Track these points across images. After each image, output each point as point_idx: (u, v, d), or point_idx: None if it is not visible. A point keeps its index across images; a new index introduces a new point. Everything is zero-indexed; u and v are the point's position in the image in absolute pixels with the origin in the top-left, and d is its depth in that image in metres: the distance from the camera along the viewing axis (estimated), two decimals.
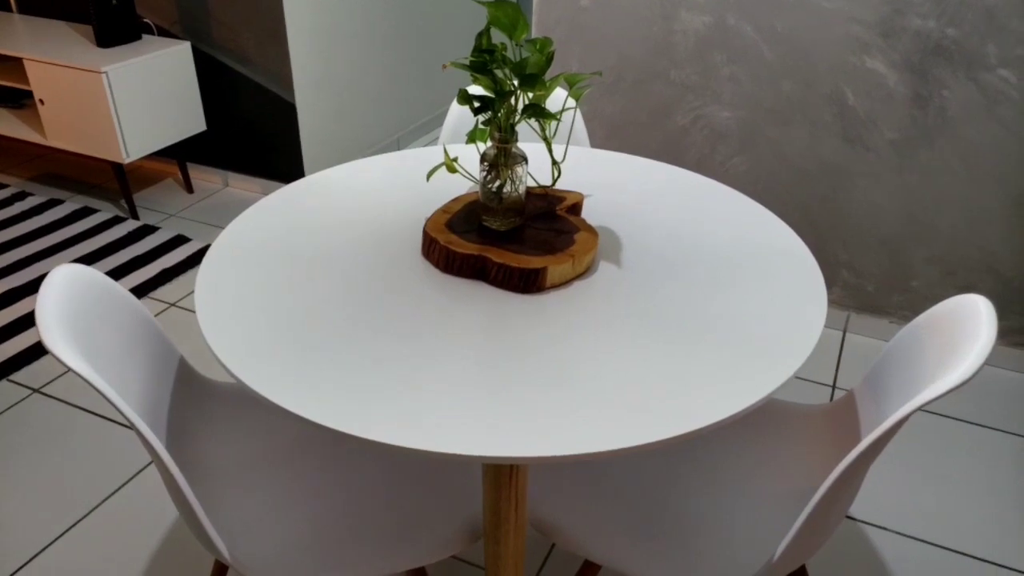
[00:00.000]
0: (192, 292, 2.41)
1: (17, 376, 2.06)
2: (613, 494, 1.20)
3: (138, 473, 1.78)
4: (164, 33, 2.84)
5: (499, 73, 1.16)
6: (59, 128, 2.70)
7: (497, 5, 1.10)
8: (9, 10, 3.17)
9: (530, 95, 1.16)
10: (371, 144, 3.22)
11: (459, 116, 1.77)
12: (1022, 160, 1.98)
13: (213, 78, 2.86)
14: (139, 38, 2.75)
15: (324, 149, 2.96)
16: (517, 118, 1.16)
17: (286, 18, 2.62)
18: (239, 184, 3.05)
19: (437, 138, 3.58)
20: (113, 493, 1.73)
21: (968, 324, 1.01)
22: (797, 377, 2.16)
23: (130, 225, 2.74)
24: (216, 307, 1.10)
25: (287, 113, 2.79)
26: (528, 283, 1.15)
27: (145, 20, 2.85)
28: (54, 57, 2.57)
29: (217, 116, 2.94)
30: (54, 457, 1.82)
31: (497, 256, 1.16)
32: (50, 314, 0.98)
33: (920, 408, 0.87)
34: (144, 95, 2.63)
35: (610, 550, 1.11)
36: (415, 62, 3.36)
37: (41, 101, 2.67)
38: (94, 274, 1.13)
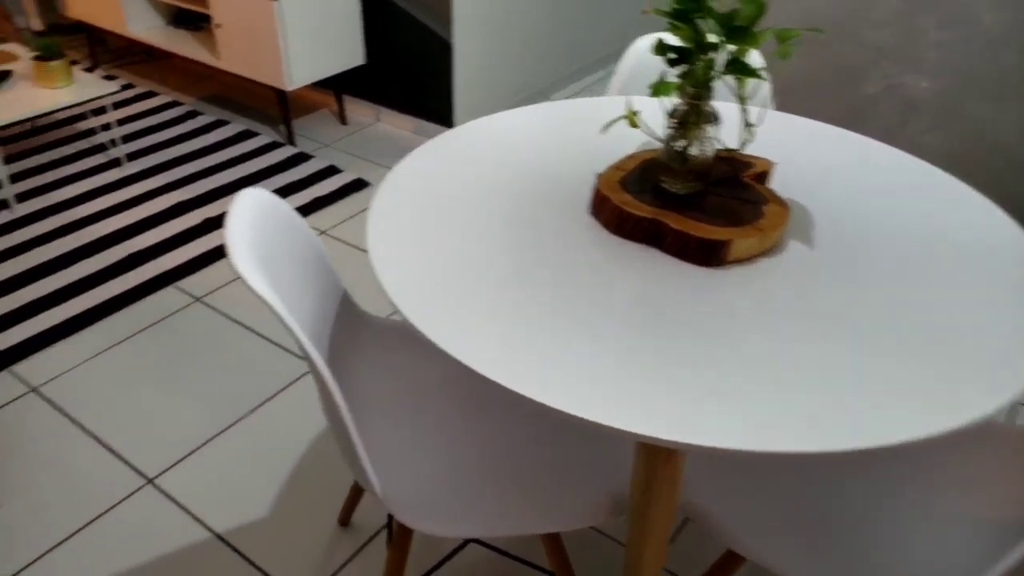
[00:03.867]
0: (342, 222, 2.47)
1: (183, 283, 2.19)
2: (778, 491, 1.12)
3: (284, 389, 1.86)
4: None
5: (701, 23, 1.06)
6: (231, 52, 2.81)
7: None
8: None
9: (733, 49, 1.05)
10: (521, 89, 3.16)
11: (633, 66, 1.67)
12: None
13: (374, 11, 2.87)
14: None
15: (476, 91, 2.92)
16: (717, 73, 1.06)
17: None
18: (390, 120, 3.07)
19: (585, 87, 3.47)
20: (260, 405, 1.82)
21: None
22: None
23: (288, 151, 2.83)
24: (385, 247, 1.09)
25: (443, 52, 2.76)
26: (708, 255, 1.06)
27: None
28: None
29: (375, 50, 2.96)
30: (207, 366, 1.93)
31: (675, 222, 1.08)
32: (239, 239, 0.99)
33: None
34: (310, 25, 2.68)
35: (766, 549, 1.03)
36: (571, 8, 3.24)
37: (218, 25, 2.77)
38: (278, 202, 1.14)
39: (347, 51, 2.85)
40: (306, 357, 0.93)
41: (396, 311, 0.97)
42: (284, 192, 2.60)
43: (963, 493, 1.11)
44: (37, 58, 2.47)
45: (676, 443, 0.80)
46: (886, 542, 1.05)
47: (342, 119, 3.07)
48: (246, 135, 2.94)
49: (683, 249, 1.08)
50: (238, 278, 2.23)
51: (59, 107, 2.42)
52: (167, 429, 1.76)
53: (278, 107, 3.05)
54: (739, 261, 1.07)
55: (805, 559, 1.02)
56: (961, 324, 0.96)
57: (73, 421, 1.77)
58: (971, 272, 1.06)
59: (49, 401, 1.82)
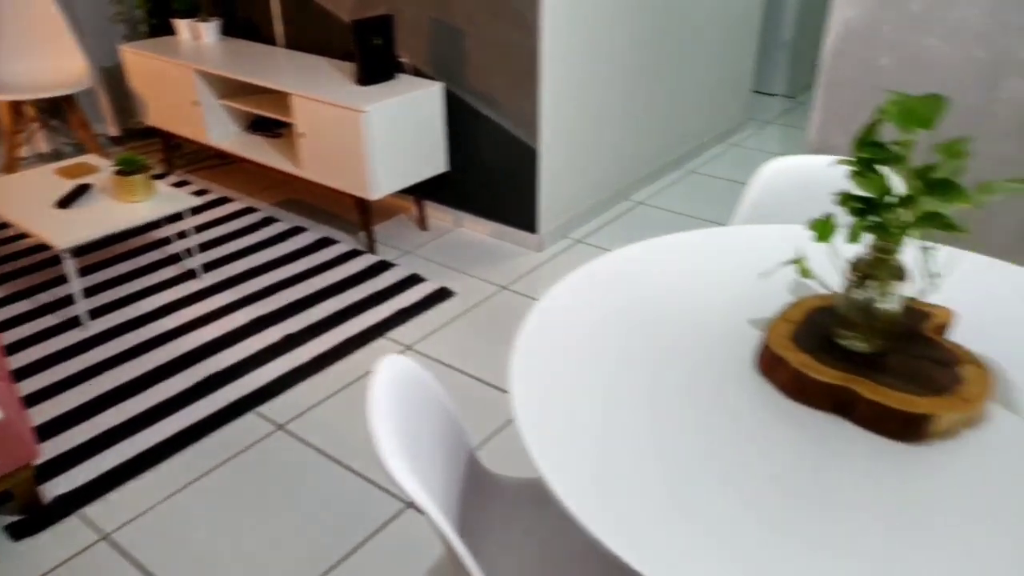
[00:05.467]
0: (429, 335, 2.39)
1: (264, 408, 2.11)
2: None
3: (382, 528, 1.73)
4: (417, 73, 2.89)
5: (885, 171, 0.97)
6: (315, 161, 2.82)
7: (920, 99, 0.91)
8: (274, 44, 3.39)
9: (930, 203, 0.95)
10: (602, 190, 3.11)
11: (761, 194, 1.59)
12: None
13: (458, 118, 2.87)
14: (394, 77, 2.81)
15: (558, 194, 2.88)
16: (911, 225, 0.96)
17: (541, 64, 2.56)
18: (471, 225, 3.04)
19: (664, 187, 3.41)
20: (361, 544, 1.69)
21: None
22: None
23: (369, 259, 2.80)
24: (530, 405, 0.99)
25: (527, 158, 2.74)
26: (909, 430, 0.94)
27: (401, 59, 2.92)
28: (319, 94, 2.67)
29: (457, 156, 2.95)
30: (294, 502, 1.82)
31: (869, 391, 0.96)
32: (383, 415, 0.90)
33: None
34: (396, 134, 2.68)
35: None
36: (651, 109, 3.22)
37: (302, 135, 2.79)
38: (414, 367, 1.05)
39: (431, 158, 2.84)
40: (443, 538, 0.82)
41: (523, 472, 0.85)
42: (366, 304, 2.54)
43: None
44: (118, 172, 2.48)
45: None
46: None
47: (422, 225, 3.05)
48: (325, 242, 2.92)
49: (878, 421, 0.95)
50: (321, 402, 2.14)
51: (139, 224, 2.41)
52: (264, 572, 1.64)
53: (358, 213, 3.04)
54: (941, 436, 0.94)
55: None
56: None
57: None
58: None
59: (122, 551, 1.72)
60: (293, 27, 3.28)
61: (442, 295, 2.58)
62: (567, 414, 0.98)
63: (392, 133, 2.66)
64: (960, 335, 1.13)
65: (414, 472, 0.91)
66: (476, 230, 3.03)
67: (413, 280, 2.65)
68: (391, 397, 0.95)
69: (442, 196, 3.08)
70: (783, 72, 4.52)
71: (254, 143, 3.16)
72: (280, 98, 3.11)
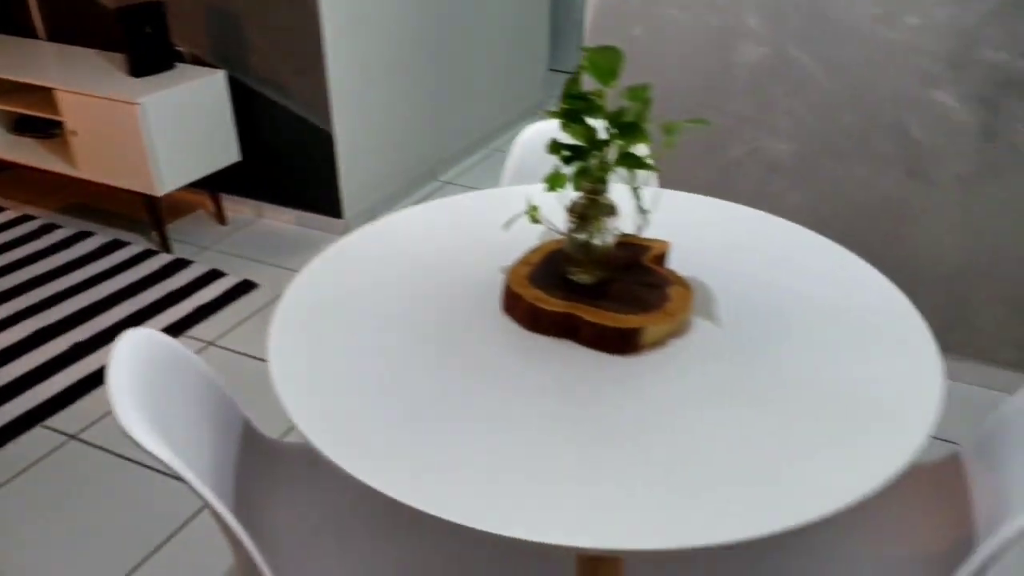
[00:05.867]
0: (231, 329, 2.34)
1: (52, 421, 1.99)
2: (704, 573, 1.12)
3: (188, 522, 1.70)
4: (197, 61, 2.79)
5: (591, 121, 1.09)
6: (91, 159, 2.65)
7: (600, 51, 1.03)
8: (36, 36, 3.13)
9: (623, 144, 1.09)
10: (407, 172, 3.16)
11: (521, 157, 1.71)
12: None
13: (247, 106, 2.81)
14: (172, 67, 2.70)
15: (360, 177, 2.90)
16: (611, 167, 1.09)
17: (325, 46, 2.56)
18: (273, 214, 2.99)
19: (470, 166, 3.52)
20: (165, 542, 1.65)
21: None
22: None
23: (163, 259, 2.68)
24: (287, 367, 1.03)
25: (324, 142, 2.73)
26: (625, 343, 1.07)
27: (178, 48, 2.80)
28: (88, 87, 2.52)
29: (251, 145, 2.89)
30: (94, 511, 1.74)
31: (589, 314, 1.09)
32: (123, 388, 0.91)
33: None
34: (178, 126, 2.58)
35: None
36: (449, 90, 3.31)
37: (73, 132, 2.62)
38: (162, 338, 1.05)
39: (221, 149, 2.76)
40: (206, 505, 0.85)
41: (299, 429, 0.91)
42: (163, 304, 2.44)
43: (867, 532, 1.16)
44: None
45: (616, 551, 0.78)
46: None
47: (220, 219, 2.95)
48: (115, 245, 2.76)
49: (600, 340, 1.08)
50: None
51: None
52: None
53: (147, 212, 2.89)
54: (652, 346, 1.09)
55: None
56: (863, 384, 1.01)
57: None
58: (860, 334, 1.12)
59: None
60: (54, 17, 3.04)
61: (245, 288, 2.53)
62: (323, 371, 1.03)
63: (173, 125, 2.56)
64: (675, 262, 1.29)
65: (167, 441, 0.92)
66: (279, 219, 2.98)
67: (213, 276, 2.58)
68: (135, 372, 0.96)
69: (240, 187, 3.00)
70: (577, 50, 4.78)
71: (22, 145, 2.92)
72: (46, 94, 2.88)
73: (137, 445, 0.84)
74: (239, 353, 2.25)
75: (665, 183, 2.34)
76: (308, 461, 1.28)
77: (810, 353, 1.07)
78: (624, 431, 0.93)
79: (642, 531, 0.80)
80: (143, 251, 2.73)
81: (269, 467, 1.24)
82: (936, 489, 1.19)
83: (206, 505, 0.86)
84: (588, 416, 0.96)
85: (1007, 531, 0.85)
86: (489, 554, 1.14)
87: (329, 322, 1.13)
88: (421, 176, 3.30)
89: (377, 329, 1.12)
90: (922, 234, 2.10)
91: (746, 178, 2.23)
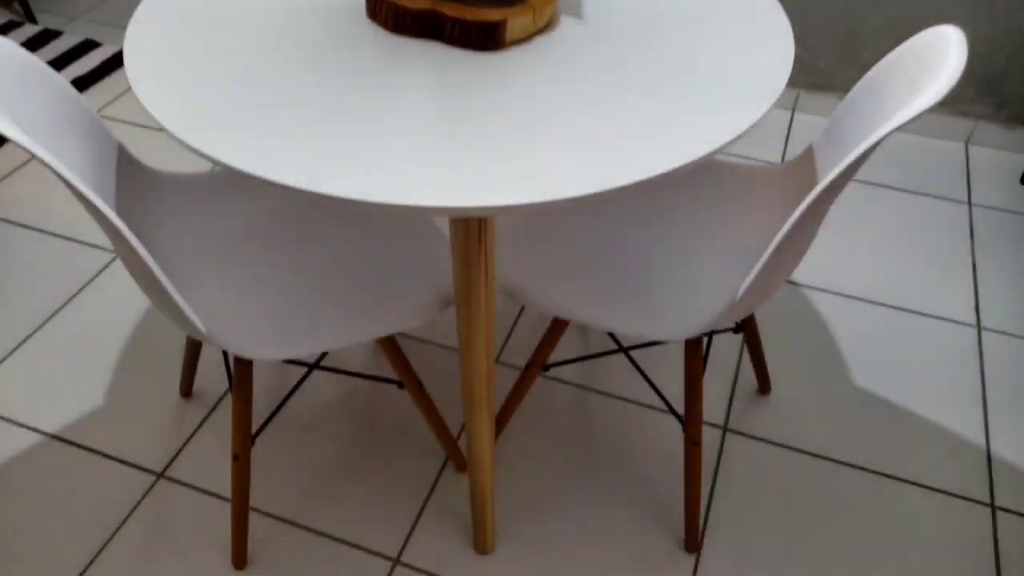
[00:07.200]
0: (114, 100, 2.23)
1: None
2: (574, 253, 1.23)
3: (90, 281, 1.73)
4: None
5: None
6: None
7: None
8: None
9: None
10: None
11: None
12: None
13: None
14: None
15: None
16: None
17: None
18: None
19: None
20: (67, 303, 1.69)
21: (932, 57, 1.00)
22: (745, 157, 2.18)
23: (29, 30, 2.47)
24: (150, 79, 1.01)
25: None
26: (487, 38, 1.08)
27: None
28: None
29: None
30: None
31: (451, 10, 1.08)
32: None
33: (892, 131, 0.88)
34: None
35: (573, 304, 1.14)
36: None
37: None
38: (10, 44, 1.01)
39: None
40: (90, 206, 0.87)
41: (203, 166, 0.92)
42: None
43: (724, 226, 1.27)
44: None
45: (481, 208, 0.84)
46: (668, 277, 1.19)
47: None
48: None
49: (463, 36, 1.08)
50: (10, 174, 1.99)
51: None
52: None
53: None
54: (517, 42, 1.10)
55: (606, 303, 1.14)
56: (714, 71, 1.06)
57: None
58: (722, 27, 1.15)
59: None
60: None
61: (123, 59, 2.37)
62: (181, 74, 1.02)
63: None
64: None
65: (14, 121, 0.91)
66: None
67: (87, 46, 2.41)
68: None
69: None
70: None
71: None
72: None
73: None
74: (128, 123, 2.17)
75: None
76: (191, 187, 1.30)
77: (670, 43, 1.10)
78: (489, 112, 0.97)
79: (498, 192, 0.86)
80: (5, 23, 2.50)
81: (149, 193, 1.26)
82: (794, 179, 1.30)
83: (83, 199, 0.87)
84: (452, 100, 0.98)
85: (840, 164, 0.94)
86: (375, 246, 1.22)
87: (188, 28, 1.10)
88: None
89: (238, 36, 1.09)
90: None
91: None
